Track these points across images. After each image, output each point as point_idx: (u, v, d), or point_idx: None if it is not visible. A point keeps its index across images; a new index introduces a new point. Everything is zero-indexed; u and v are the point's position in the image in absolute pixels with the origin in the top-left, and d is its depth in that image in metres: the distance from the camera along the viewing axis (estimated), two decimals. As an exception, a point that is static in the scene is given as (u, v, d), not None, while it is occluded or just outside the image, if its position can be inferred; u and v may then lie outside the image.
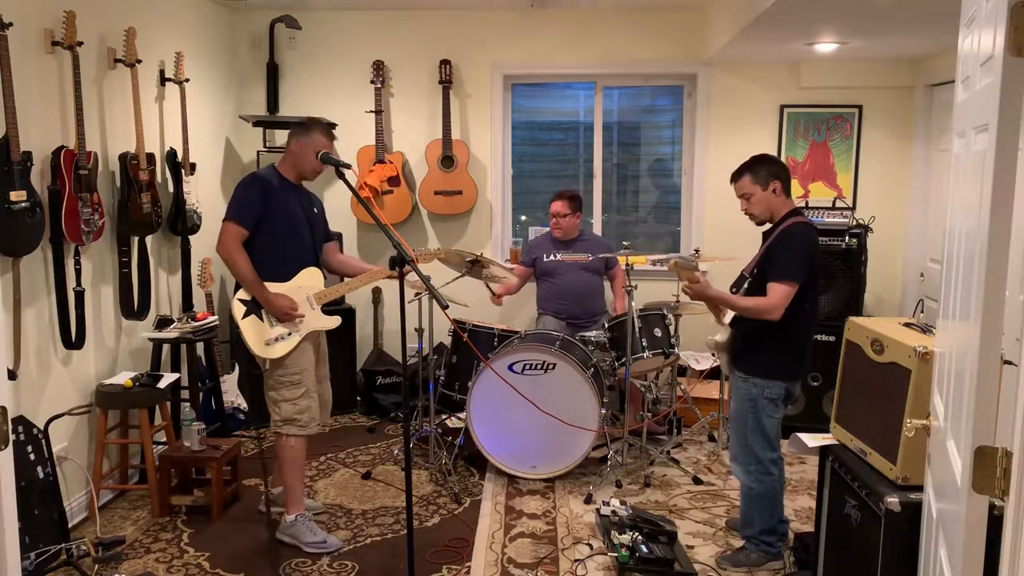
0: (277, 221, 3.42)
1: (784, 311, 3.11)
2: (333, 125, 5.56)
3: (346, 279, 3.75)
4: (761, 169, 3.26)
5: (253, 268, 3.39)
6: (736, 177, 3.32)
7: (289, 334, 3.44)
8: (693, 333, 5.17)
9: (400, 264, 2.79)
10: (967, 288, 1.57)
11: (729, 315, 3.38)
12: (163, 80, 4.50)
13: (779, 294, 3.10)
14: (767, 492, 3.26)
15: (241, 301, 3.44)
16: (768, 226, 3.34)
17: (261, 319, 3.42)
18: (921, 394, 2.27)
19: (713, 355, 4.84)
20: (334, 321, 3.60)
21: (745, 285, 3.32)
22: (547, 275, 4.96)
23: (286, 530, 3.51)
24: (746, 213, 3.34)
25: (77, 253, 3.65)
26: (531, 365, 4.11)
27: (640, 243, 5.93)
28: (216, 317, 4.54)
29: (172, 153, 4.51)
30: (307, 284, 3.51)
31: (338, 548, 3.47)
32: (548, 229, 5.11)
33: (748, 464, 3.27)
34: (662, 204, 5.98)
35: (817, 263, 3.22)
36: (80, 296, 3.65)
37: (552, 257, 4.93)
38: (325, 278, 3.61)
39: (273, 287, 3.43)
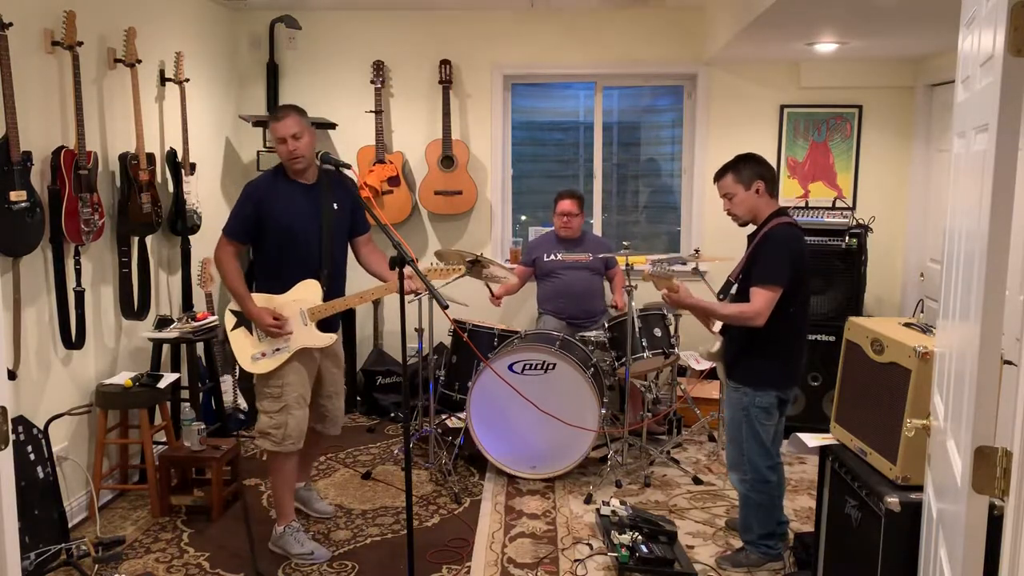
0: (277, 231, 3.31)
1: (769, 316, 3.02)
2: (333, 125, 5.61)
3: (350, 294, 3.49)
4: (744, 168, 3.20)
5: (242, 280, 3.33)
6: (719, 176, 3.27)
7: (277, 350, 3.30)
8: (693, 333, 5.14)
9: (400, 264, 2.79)
10: (967, 288, 1.57)
11: (719, 323, 3.32)
12: (163, 80, 4.50)
13: (761, 299, 3.02)
14: (764, 500, 3.24)
15: (232, 312, 3.36)
16: (752, 228, 3.29)
17: (250, 332, 3.33)
18: (921, 394, 2.27)
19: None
20: (327, 339, 3.39)
21: (732, 291, 3.27)
22: (547, 275, 4.96)
23: (276, 541, 3.46)
24: (728, 213, 3.29)
25: (77, 253, 3.65)
26: (531, 365, 4.11)
27: (640, 243, 5.93)
28: (216, 317, 4.54)
29: (172, 153, 4.51)
30: (302, 298, 3.33)
31: (326, 559, 3.39)
32: (549, 229, 5.11)
33: (744, 473, 3.24)
34: (662, 204, 5.98)
35: (804, 264, 3.13)
36: (80, 296, 3.65)
37: (553, 256, 4.93)
38: (326, 290, 3.38)
39: (267, 299, 3.32)
